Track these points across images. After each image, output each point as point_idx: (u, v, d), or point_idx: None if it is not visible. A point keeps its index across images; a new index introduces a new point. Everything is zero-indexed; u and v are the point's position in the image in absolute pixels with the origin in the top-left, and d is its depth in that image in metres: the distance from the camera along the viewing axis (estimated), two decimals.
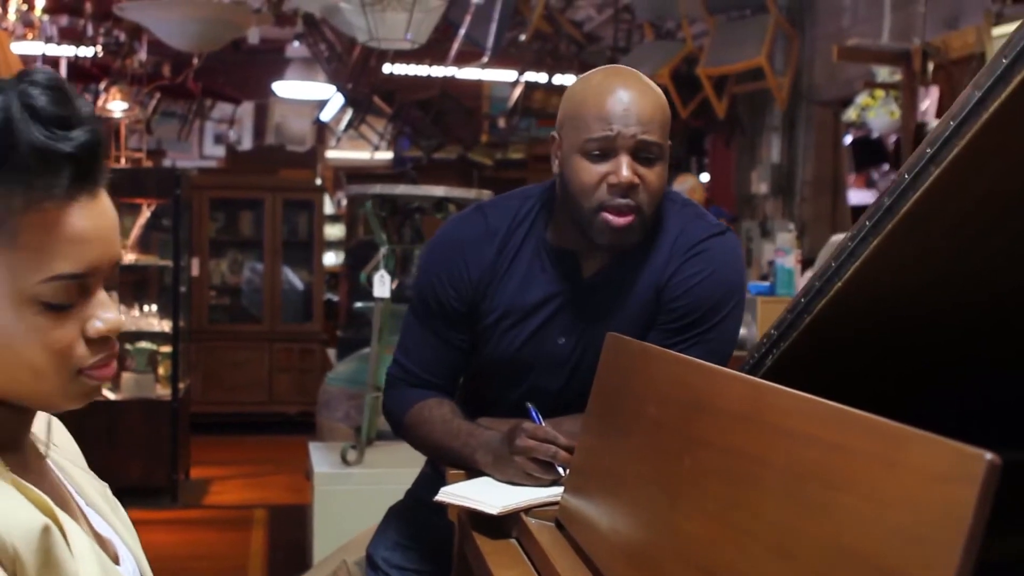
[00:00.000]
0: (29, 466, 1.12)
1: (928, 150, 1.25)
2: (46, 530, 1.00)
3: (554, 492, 1.74)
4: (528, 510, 1.72)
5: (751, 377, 1.16)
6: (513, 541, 1.71)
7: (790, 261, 4.37)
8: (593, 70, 1.97)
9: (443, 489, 1.81)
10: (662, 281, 1.96)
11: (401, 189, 3.69)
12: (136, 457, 5.82)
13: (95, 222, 1.05)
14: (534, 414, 1.90)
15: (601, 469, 1.56)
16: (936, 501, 0.78)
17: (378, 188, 3.67)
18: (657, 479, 1.31)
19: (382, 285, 3.53)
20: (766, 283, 4.70)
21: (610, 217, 1.87)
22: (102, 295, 1.07)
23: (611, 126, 1.84)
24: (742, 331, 4.40)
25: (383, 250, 3.63)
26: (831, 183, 8.45)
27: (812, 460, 0.96)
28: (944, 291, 1.44)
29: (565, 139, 1.91)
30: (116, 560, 1.16)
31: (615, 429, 1.54)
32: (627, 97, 1.85)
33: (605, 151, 1.86)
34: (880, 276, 1.42)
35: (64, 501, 1.14)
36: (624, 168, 1.84)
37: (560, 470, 1.79)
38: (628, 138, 1.84)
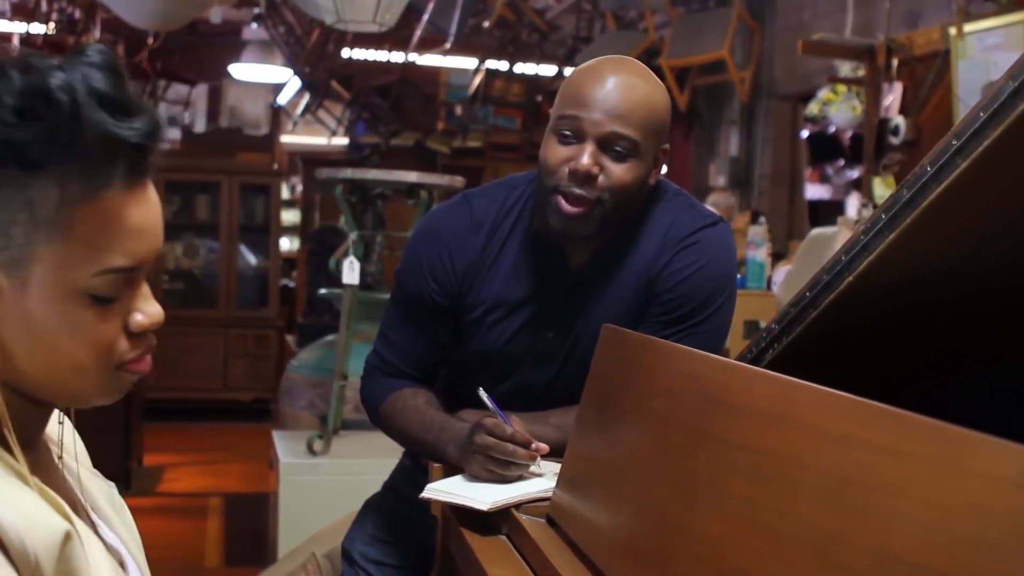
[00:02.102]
0: (44, 467, 1.08)
1: (954, 142, 1.22)
2: (67, 537, 0.96)
3: (545, 487, 1.70)
4: (519, 506, 1.67)
5: (776, 374, 1.12)
6: (503, 538, 1.67)
7: (762, 254, 4.36)
8: (607, 55, 1.92)
9: (429, 486, 1.76)
10: (654, 272, 1.92)
11: (373, 174, 3.62)
12: (88, 443, 5.57)
13: (148, 214, 1.02)
14: (492, 404, 1.81)
15: (599, 464, 1.51)
16: (1007, 509, 0.74)
17: (349, 172, 3.61)
18: (667, 476, 1.27)
19: (351, 272, 3.47)
20: (737, 276, 4.69)
21: (562, 202, 1.82)
22: (145, 288, 1.05)
23: (584, 109, 1.80)
24: None
25: (352, 236, 3.56)
26: (789, 177, 8.48)
27: (856, 462, 0.92)
28: (959, 286, 1.41)
29: (554, 109, 1.88)
30: (122, 568, 1.11)
31: (614, 423, 1.49)
32: (611, 85, 1.80)
33: (575, 133, 1.81)
34: (893, 271, 1.39)
35: (75, 506, 1.09)
36: (585, 156, 1.79)
37: (535, 466, 1.75)
38: (596, 125, 1.79)
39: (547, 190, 1.84)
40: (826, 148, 8.25)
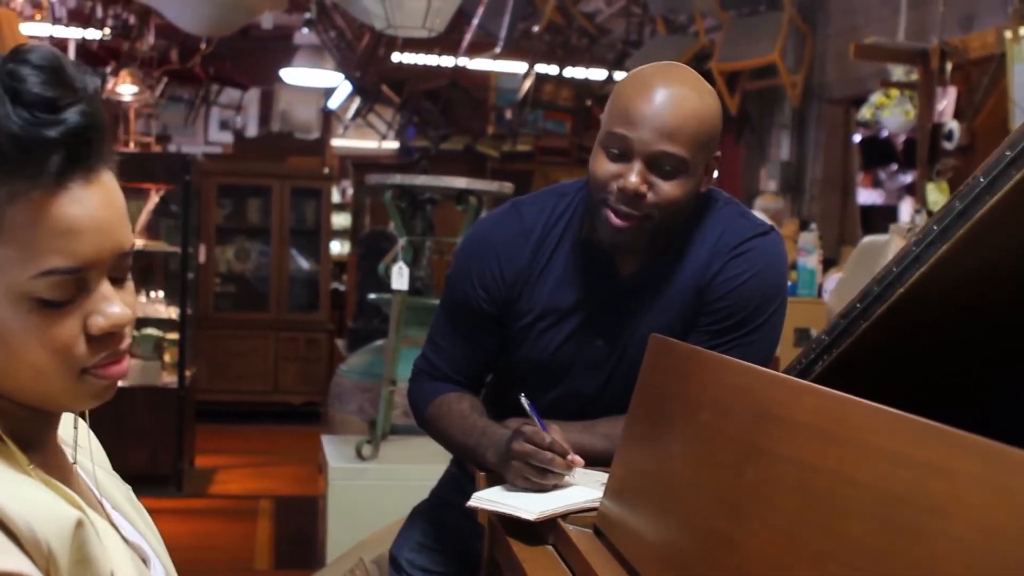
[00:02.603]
0: (55, 467, 1.07)
1: (1008, 153, 1.20)
2: (79, 525, 0.95)
3: (592, 497, 1.69)
4: (566, 516, 1.67)
5: (826, 389, 1.11)
6: (549, 548, 1.66)
7: (812, 261, 4.32)
8: (658, 63, 1.89)
9: (476, 495, 1.76)
10: (704, 281, 1.90)
11: (422, 180, 3.63)
12: (141, 445, 5.76)
13: (90, 211, 0.96)
14: (532, 412, 1.80)
15: (646, 475, 1.50)
16: None
17: (398, 178, 3.62)
18: (714, 490, 1.26)
19: (400, 277, 3.48)
20: (788, 285, 4.66)
21: (611, 216, 1.82)
22: (105, 288, 1.00)
23: (632, 129, 1.77)
24: None
25: (401, 241, 3.57)
26: (840, 182, 8.40)
27: (905, 480, 0.91)
28: (1011, 297, 1.39)
29: (603, 122, 1.86)
30: (145, 564, 1.12)
31: (661, 434, 1.49)
32: (660, 101, 1.77)
33: (623, 152, 1.79)
34: (945, 282, 1.37)
35: (92, 505, 1.09)
36: (633, 175, 1.77)
37: (570, 475, 1.74)
38: (645, 144, 1.77)
39: (596, 203, 1.84)
40: (879, 153, 8.17)
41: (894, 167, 8.12)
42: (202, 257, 7.03)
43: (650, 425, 1.55)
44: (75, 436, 1.18)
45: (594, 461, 1.84)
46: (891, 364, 1.56)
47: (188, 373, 6.03)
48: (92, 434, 1.25)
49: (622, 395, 1.74)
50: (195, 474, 6.16)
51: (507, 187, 3.62)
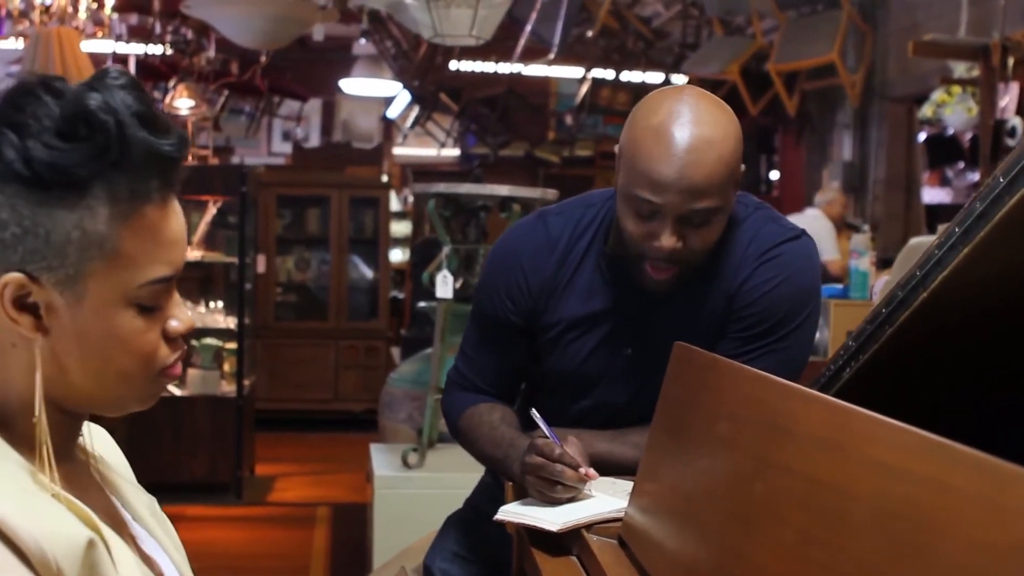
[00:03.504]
0: (75, 478, 1.09)
1: None
2: (91, 545, 0.97)
3: (618, 508, 1.66)
4: (590, 527, 1.65)
5: (834, 399, 1.07)
6: (574, 558, 1.64)
7: (865, 263, 4.24)
8: (665, 95, 1.78)
9: (503, 508, 1.75)
10: (733, 288, 1.87)
11: (464, 188, 3.63)
12: (201, 453, 5.83)
13: (180, 223, 1.06)
14: (544, 425, 1.78)
15: (667, 487, 1.48)
16: None
17: (441, 187, 3.62)
18: (728, 502, 1.23)
19: (444, 285, 3.47)
20: (839, 286, 4.57)
21: (651, 270, 1.79)
22: (176, 295, 1.09)
23: (658, 194, 1.71)
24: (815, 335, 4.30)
25: (446, 249, 3.57)
26: (904, 181, 8.27)
27: (904, 496, 0.88)
28: None
29: (621, 169, 1.80)
30: None
31: (682, 445, 1.46)
32: (681, 161, 1.69)
33: (651, 213, 1.75)
34: (969, 286, 1.33)
35: (109, 516, 1.10)
36: (667, 237, 1.74)
37: (586, 487, 1.71)
38: (674, 207, 1.72)
39: (633, 256, 1.81)
40: (945, 151, 8.02)
41: (961, 165, 7.97)
42: (261, 267, 7.09)
43: (672, 435, 1.52)
44: (90, 442, 1.19)
45: (624, 470, 1.82)
46: (919, 368, 1.52)
47: (247, 382, 6.08)
48: (112, 442, 1.27)
49: (652, 405, 1.71)
50: (255, 482, 6.22)
51: (551, 194, 3.61)
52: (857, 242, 4.32)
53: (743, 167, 1.82)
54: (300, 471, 6.73)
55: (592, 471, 1.70)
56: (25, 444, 1.02)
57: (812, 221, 7.10)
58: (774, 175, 10.71)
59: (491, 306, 1.98)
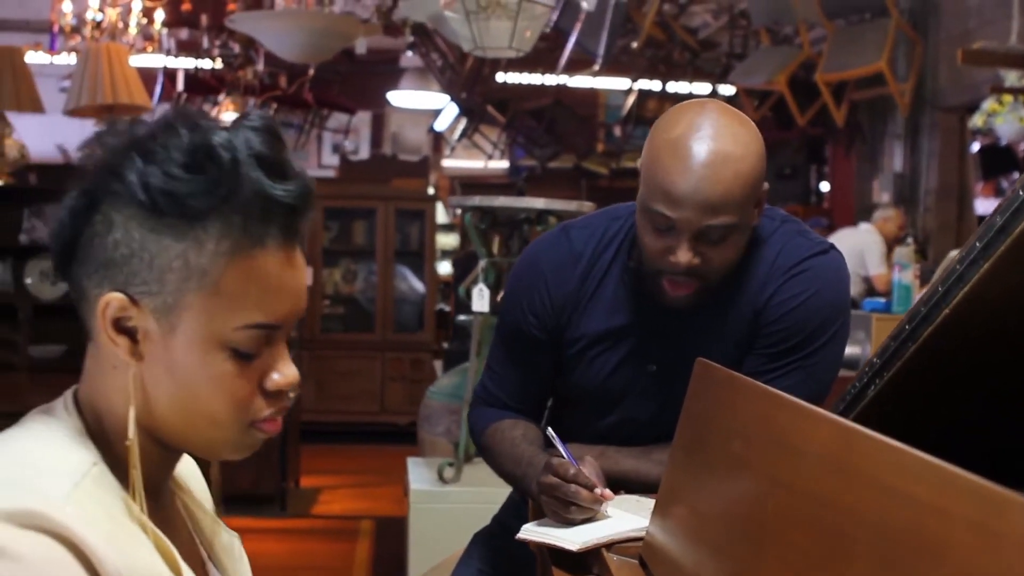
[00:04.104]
0: (164, 510, 1.10)
1: None
2: None
3: (639, 526, 1.64)
4: (610, 546, 1.63)
5: (839, 418, 1.05)
6: None
7: (908, 276, 4.17)
8: (686, 108, 1.76)
9: (525, 527, 1.73)
10: (760, 303, 1.84)
11: (500, 201, 3.61)
12: (246, 465, 5.83)
13: (294, 275, 1.04)
14: (560, 445, 1.76)
15: (686, 505, 1.46)
16: None
17: (476, 200, 3.61)
18: (740, 522, 1.21)
19: (481, 299, 3.46)
20: (881, 300, 4.50)
21: (668, 286, 1.78)
22: (284, 349, 1.07)
23: (674, 209, 1.69)
24: (856, 350, 4.24)
25: (482, 263, 3.56)
26: (957, 192, 8.14)
27: (905, 520, 0.85)
28: None
29: (641, 181, 1.78)
30: None
31: (700, 464, 1.44)
32: (698, 176, 1.67)
33: (668, 227, 1.73)
34: (990, 301, 1.30)
35: (189, 553, 1.11)
36: (683, 253, 1.72)
37: (604, 508, 1.69)
38: (690, 223, 1.70)
39: (651, 271, 1.80)
40: (999, 161, 7.91)
41: (1016, 175, 7.84)
42: (308, 279, 7.12)
43: (691, 454, 1.50)
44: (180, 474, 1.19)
45: (649, 488, 1.80)
46: (944, 384, 1.48)
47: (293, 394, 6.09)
48: (199, 473, 1.27)
49: (677, 421, 1.69)
50: (300, 494, 6.24)
51: (587, 206, 3.58)
52: (900, 255, 4.25)
53: (766, 185, 1.78)
54: (345, 483, 6.74)
55: (608, 492, 1.68)
56: (121, 469, 1.03)
57: (863, 235, 7.02)
58: (824, 186, 10.60)
59: (515, 321, 1.96)
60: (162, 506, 1.09)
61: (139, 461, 1.01)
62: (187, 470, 1.23)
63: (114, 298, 1.00)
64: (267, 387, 1.05)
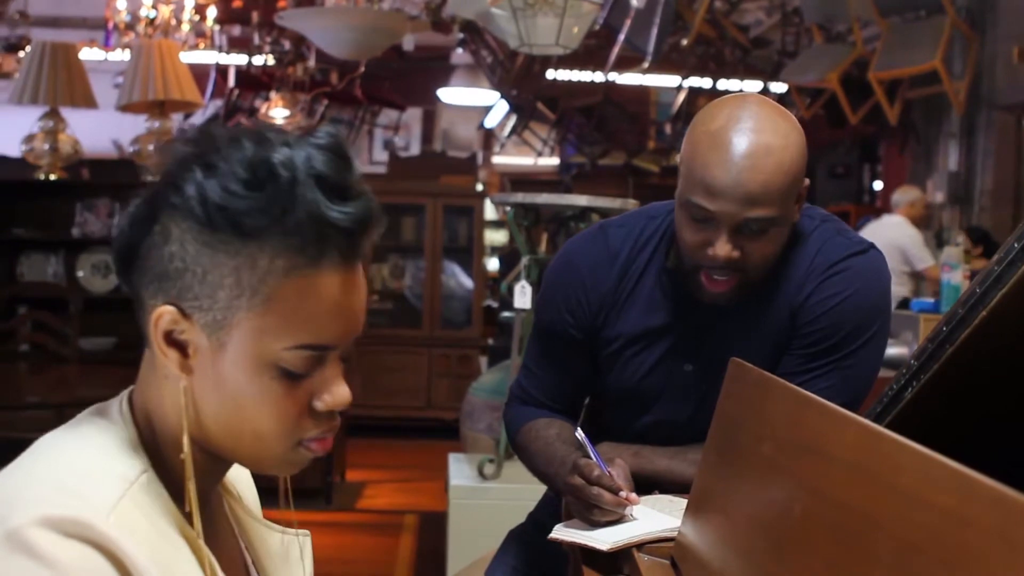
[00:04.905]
0: (210, 520, 1.10)
1: None
2: None
3: (671, 527, 1.63)
4: (642, 546, 1.62)
5: (867, 422, 1.03)
6: None
7: (957, 277, 4.11)
8: (726, 101, 1.75)
9: (557, 527, 1.73)
10: (797, 303, 1.82)
11: (543, 198, 3.60)
12: None
13: (349, 298, 1.03)
14: (589, 445, 1.74)
15: (716, 507, 1.44)
16: None
17: (519, 196, 3.60)
18: (766, 526, 1.20)
19: (523, 296, 3.46)
20: (930, 300, 4.44)
21: (706, 281, 1.76)
22: (336, 369, 1.05)
23: (713, 201, 1.68)
24: (903, 351, 4.18)
25: (524, 260, 3.55)
26: (1013, 192, 8.03)
27: (926, 527, 0.84)
28: None
29: (680, 174, 1.77)
30: None
31: (731, 466, 1.42)
32: (738, 167, 1.66)
33: (706, 219, 1.71)
34: None
35: (233, 561, 1.12)
36: (722, 245, 1.70)
37: (630, 511, 1.67)
38: (729, 216, 1.68)
39: (690, 267, 1.78)
40: None
41: None
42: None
43: (723, 455, 1.48)
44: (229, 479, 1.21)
45: (684, 488, 1.78)
46: (981, 387, 1.46)
47: None
48: (249, 478, 1.28)
49: None
50: (345, 488, 6.27)
51: (630, 203, 3.56)
52: (950, 255, 4.19)
53: (807, 181, 1.76)
54: (390, 478, 6.77)
55: (633, 496, 1.66)
56: (170, 477, 1.03)
57: (896, 228, 6.83)
58: (877, 185, 10.49)
59: (551, 320, 1.95)
60: (209, 512, 1.09)
61: (192, 476, 1.02)
62: (238, 475, 1.23)
63: (166, 311, 1.00)
64: (316, 407, 1.03)
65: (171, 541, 0.98)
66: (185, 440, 1.02)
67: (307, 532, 1.26)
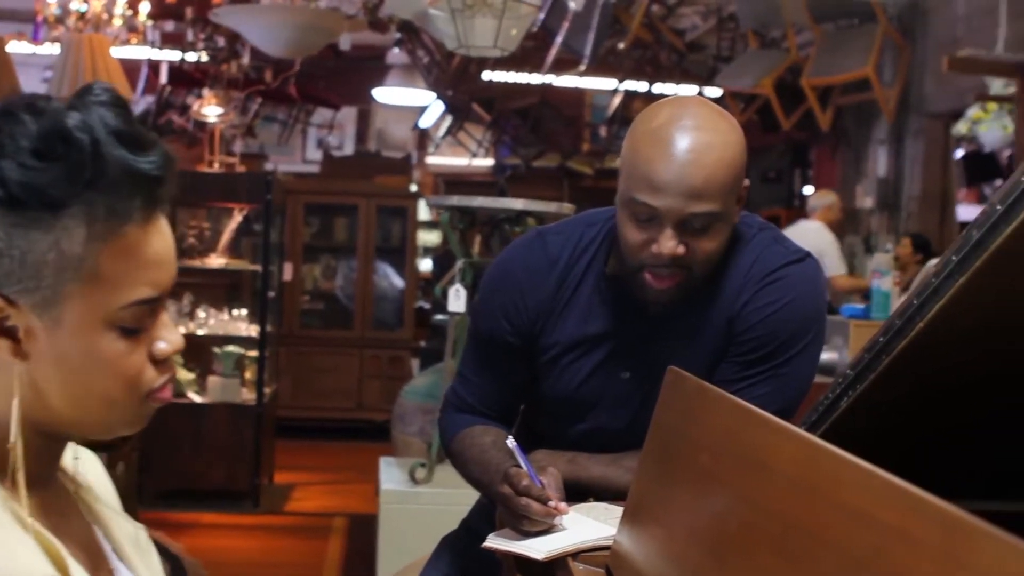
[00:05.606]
0: (54, 506, 1.06)
1: (1023, 179, 1.10)
2: None
3: (607, 536, 1.61)
4: (577, 555, 1.60)
5: (807, 435, 1.02)
6: None
7: (887, 283, 4.15)
8: (667, 102, 1.76)
9: (491, 535, 1.71)
10: (734, 311, 1.81)
11: (479, 201, 3.58)
12: (220, 461, 5.81)
13: (166, 244, 1.03)
14: (519, 454, 1.72)
15: (653, 516, 1.43)
16: None
17: (454, 200, 3.57)
18: (705, 537, 1.18)
19: (457, 299, 3.43)
20: (859, 306, 4.48)
21: (651, 279, 1.74)
22: (165, 316, 1.06)
23: (656, 197, 1.67)
24: (833, 356, 4.22)
25: (459, 263, 3.53)
26: (940, 198, 8.15)
27: (870, 544, 0.83)
28: None
29: (621, 175, 1.76)
30: None
31: (668, 475, 1.41)
32: (680, 162, 1.66)
33: (650, 217, 1.70)
34: (965, 316, 1.27)
35: (88, 548, 1.08)
36: (666, 242, 1.69)
37: (560, 520, 1.65)
38: (672, 211, 1.68)
39: (633, 267, 1.76)
40: (983, 168, 7.90)
41: (999, 183, 7.84)
42: (288, 275, 7.09)
43: (660, 464, 1.47)
44: (75, 468, 1.16)
45: (619, 495, 1.77)
46: (918, 398, 1.46)
47: (268, 390, 6.07)
48: (101, 468, 1.23)
49: None
50: (273, 490, 6.20)
51: (566, 208, 3.55)
52: (879, 262, 4.23)
53: (747, 182, 1.77)
54: (319, 480, 6.71)
55: (563, 505, 1.65)
56: (2, 468, 1.00)
57: (814, 234, 6.88)
58: (808, 190, 10.60)
59: (488, 327, 1.93)
60: (53, 501, 1.06)
61: (23, 461, 0.99)
62: (85, 465, 1.19)
63: None
64: (156, 356, 1.04)
65: (6, 528, 0.95)
66: (14, 426, 0.99)
67: (142, 526, 1.23)
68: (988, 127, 6.47)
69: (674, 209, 1.67)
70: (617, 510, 1.71)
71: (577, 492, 1.81)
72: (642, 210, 1.70)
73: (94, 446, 1.21)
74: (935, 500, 0.76)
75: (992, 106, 6.45)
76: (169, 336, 1.05)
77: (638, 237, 1.72)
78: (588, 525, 1.68)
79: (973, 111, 6.60)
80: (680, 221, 1.69)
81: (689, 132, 1.68)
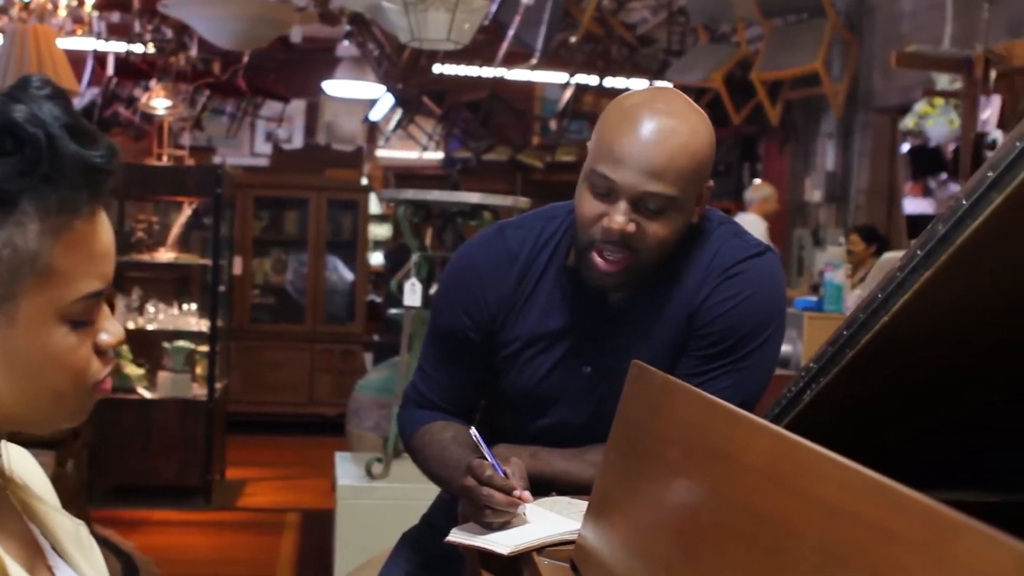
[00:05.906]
0: None
1: (990, 174, 1.11)
2: None
3: (571, 530, 1.61)
4: (542, 549, 1.59)
5: (777, 428, 1.02)
6: None
7: (839, 276, 4.19)
8: (645, 89, 1.82)
9: (455, 530, 1.69)
10: (695, 305, 1.82)
11: (434, 195, 3.57)
12: (171, 457, 5.75)
13: (110, 236, 1.03)
14: (483, 446, 1.71)
15: (619, 510, 1.43)
16: None
17: (410, 193, 3.56)
18: (674, 531, 1.18)
19: (413, 293, 3.42)
20: (813, 298, 4.52)
21: (598, 259, 1.74)
22: (106, 308, 1.06)
23: (616, 169, 1.69)
24: (787, 348, 4.25)
25: (415, 257, 3.51)
26: (887, 192, 8.25)
27: (849, 538, 0.83)
28: (1000, 327, 1.29)
29: (589, 150, 1.77)
30: None
31: (633, 469, 1.41)
32: (644, 138, 1.68)
33: (607, 191, 1.71)
34: (930, 310, 1.28)
35: (25, 545, 1.06)
36: (618, 215, 1.69)
37: (523, 511, 1.64)
38: (629, 186, 1.68)
39: (584, 244, 1.76)
40: (928, 162, 8.00)
41: (944, 176, 7.95)
42: (238, 269, 7.03)
43: (625, 458, 1.47)
44: (8, 464, 1.13)
45: (582, 489, 1.77)
46: (883, 391, 1.47)
47: (219, 385, 6.02)
48: (36, 466, 1.21)
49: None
50: (225, 486, 6.14)
51: (523, 202, 3.55)
52: (832, 255, 4.27)
53: (711, 183, 1.77)
54: (272, 475, 6.66)
55: (526, 494, 1.64)
56: None
57: (749, 227, 6.94)
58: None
59: (448, 323, 1.92)
60: None
61: None
62: (19, 463, 1.17)
63: None
64: (99, 348, 1.04)
65: None
66: None
67: (82, 523, 1.22)
68: (935, 122, 6.55)
69: (630, 184, 1.68)
70: (580, 504, 1.71)
71: (540, 486, 1.80)
72: (600, 182, 1.71)
73: (43, 444, 1.20)
74: (916, 495, 0.77)
75: (939, 101, 6.52)
76: (111, 327, 1.05)
77: (593, 210, 1.73)
78: (552, 519, 1.67)
79: (920, 106, 6.67)
80: (635, 198, 1.69)
81: (659, 115, 1.70)
